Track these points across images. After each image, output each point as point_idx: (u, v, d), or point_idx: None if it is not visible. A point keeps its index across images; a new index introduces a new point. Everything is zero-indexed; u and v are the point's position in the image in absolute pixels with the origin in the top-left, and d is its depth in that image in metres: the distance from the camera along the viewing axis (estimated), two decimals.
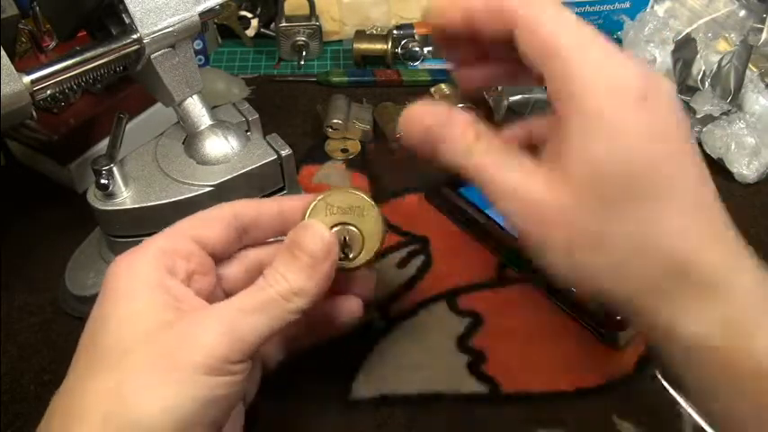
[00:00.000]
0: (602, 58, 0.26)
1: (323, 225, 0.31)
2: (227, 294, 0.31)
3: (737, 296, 0.26)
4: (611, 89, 0.25)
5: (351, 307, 0.35)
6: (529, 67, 0.27)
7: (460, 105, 0.54)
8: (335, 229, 0.32)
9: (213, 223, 0.32)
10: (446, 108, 0.30)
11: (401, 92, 0.61)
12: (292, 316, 0.29)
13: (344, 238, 0.32)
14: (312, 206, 0.32)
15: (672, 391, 0.38)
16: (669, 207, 0.26)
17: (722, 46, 0.58)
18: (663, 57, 0.58)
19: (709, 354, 0.26)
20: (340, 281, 0.33)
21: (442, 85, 0.57)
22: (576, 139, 0.26)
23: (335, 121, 0.53)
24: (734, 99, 0.53)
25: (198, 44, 0.60)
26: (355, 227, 0.33)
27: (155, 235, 0.30)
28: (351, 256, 0.32)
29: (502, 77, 0.32)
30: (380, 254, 0.34)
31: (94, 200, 0.39)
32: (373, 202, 0.33)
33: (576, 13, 0.69)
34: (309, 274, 0.29)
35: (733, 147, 0.52)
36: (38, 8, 0.49)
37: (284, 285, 0.29)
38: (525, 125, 0.32)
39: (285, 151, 0.42)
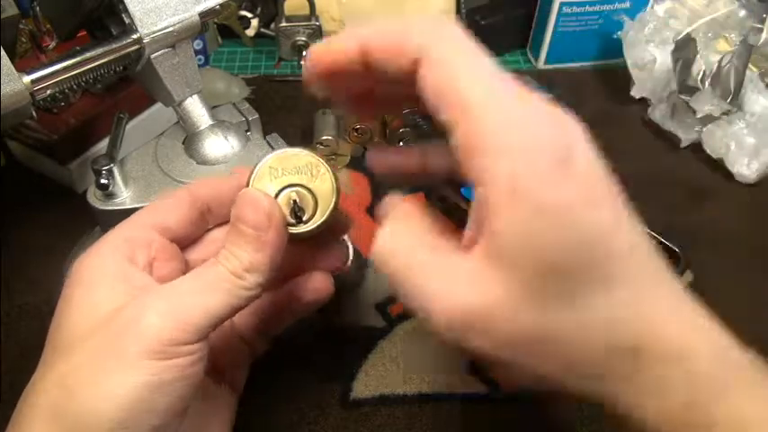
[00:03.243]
0: (520, 120, 0.22)
1: (260, 192, 0.29)
2: None
3: (697, 375, 0.23)
4: (532, 160, 0.22)
5: (315, 283, 0.33)
6: (430, 109, 0.24)
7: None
8: (283, 193, 0.30)
9: (172, 208, 0.31)
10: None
11: None
12: (249, 292, 0.27)
13: (294, 202, 0.29)
14: (255, 172, 0.29)
15: None
16: (616, 286, 0.23)
17: (722, 46, 0.58)
18: (663, 57, 0.58)
19: None
20: (303, 253, 0.32)
21: None
22: (500, 220, 0.22)
23: (325, 137, 0.53)
24: (734, 99, 0.53)
25: (198, 44, 0.60)
26: (306, 188, 0.30)
27: (116, 226, 0.30)
28: (304, 219, 0.30)
29: (397, 107, 0.30)
30: (338, 217, 0.31)
31: (94, 200, 0.39)
32: (322, 161, 0.30)
33: (576, 14, 0.69)
34: (256, 246, 0.27)
35: (733, 147, 0.52)
36: (38, 8, 0.49)
37: (234, 262, 0.27)
38: (421, 152, 0.29)
39: None
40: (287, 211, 0.29)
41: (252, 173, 0.29)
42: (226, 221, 0.32)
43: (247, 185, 0.29)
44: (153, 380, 0.24)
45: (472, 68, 0.23)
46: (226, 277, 0.27)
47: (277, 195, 0.29)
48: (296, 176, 0.30)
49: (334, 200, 0.30)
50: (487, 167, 0.22)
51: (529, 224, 0.22)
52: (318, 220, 0.30)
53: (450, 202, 0.28)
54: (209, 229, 0.33)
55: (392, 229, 0.26)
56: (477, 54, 0.24)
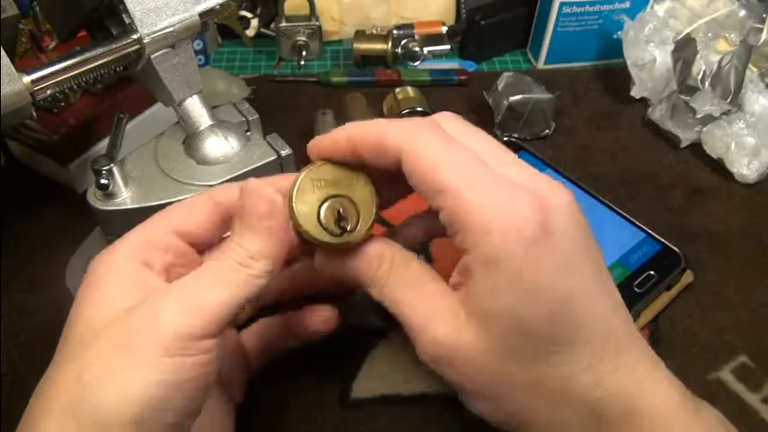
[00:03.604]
0: (494, 198, 0.25)
1: (263, 183, 0.29)
2: None
3: (655, 423, 0.25)
4: (506, 231, 0.25)
5: (323, 313, 0.35)
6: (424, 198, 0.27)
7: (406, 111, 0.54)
8: (326, 204, 0.30)
9: (194, 213, 0.31)
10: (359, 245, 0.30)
11: None
12: (258, 281, 0.27)
13: (338, 212, 0.30)
14: (298, 184, 0.30)
15: None
16: (576, 351, 0.25)
17: (722, 46, 0.58)
18: (663, 57, 0.58)
19: None
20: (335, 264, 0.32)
21: (408, 88, 0.57)
22: (479, 285, 0.26)
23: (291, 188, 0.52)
24: (734, 99, 0.53)
25: (198, 44, 0.60)
26: (347, 198, 0.30)
27: (135, 227, 0.30)
28: (349, 228, 0.30)
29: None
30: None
31: (94, 200, 0.39)
32: (360, 171, 0.31)
33: (576, 14, 0.69)
34: (261, 235, 0.28)
35: (733, 147, 0.52)
36: (38, 8, 0.49)
37: (240, 252, 0.27)
38: (423, 222, 0.33)
39: (285, 151, 0.42)
40: (332, 222, 0.29)
41: (294, 185, 0.30)
42: None
43: (290, 198, 0.29)
44: (169, 378, 0.24)
45: (446, 159, 0.26)
46: (234, 268, 0.27)
47: (321, 206, 0.30)
48: (336, 187, 0.30)
49: (375, 209, 0.30)
50: (469, 243, 0.26)
51: (499, 291, 0.25)
52: (364, 228, 0.30)
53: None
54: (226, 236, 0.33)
55: (391, 257, 0.30)
56: (450, 144, 0.27)
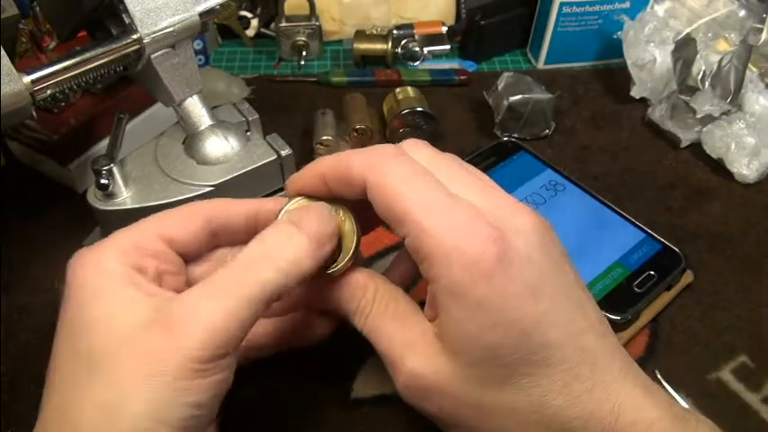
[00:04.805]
0: (453, 230, 0.25)
1: (328, 206, 0.30)
2: None
3: None
4: (465, 262, 0.25)
5: (325, 322, 0.34)
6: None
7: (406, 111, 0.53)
8: None
9: (185, 223, 0.30)
10: (344, 273, 0.30)
11: None
12: (273, 295, 0.27)
13: None
14: (282, 215, 0.31)
15: (670, 389, 0.38)
16: (548, 373, 0.25)
17: (722, 46, 0.58)
18: (663, 57, 0.58)
19: None
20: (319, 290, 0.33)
21: (408, 88, 0.57)
22: (445, 315, 0.26)
23: (325, 137, 0.53)
24: (734, 99, 0.53)
25: (198, 44, 0.60)
26: None
27: (120, 230, 0.28)
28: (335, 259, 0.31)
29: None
30: (359, 254, 0.32)
31: (94, 200, 0.39)
32: (340, 205, 0.31)
33: (576, 14, 0.69)
34: (309, 253, 0.28)
35: (733, 147, 0.52)
36: (38, 8, 0.49)
37: (280, 261, 0.27)
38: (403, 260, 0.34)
39: (285, 151, 0.42)
40: None
41: (280, 212, 0.31)
42: (231, 243, 0.32)
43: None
44: (196, 398, 0.24)
45: (406, 188, 0.27)
46: (266, 286, 0.26)
47: None
48: None
49: (355, 240, 0.31)
50: (432, 271, 0.26)
51: (467, 318, 0.25)
52: (343, 259, 0.31)
53: None
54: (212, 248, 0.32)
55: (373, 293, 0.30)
56: (411, 172, 0.27)
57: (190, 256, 0.31)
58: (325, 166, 0.30)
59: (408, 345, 0.28)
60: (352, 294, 0.30)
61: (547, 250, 0.27)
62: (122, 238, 0.28)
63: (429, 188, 0.27)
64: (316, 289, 0.32)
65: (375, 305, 0.30)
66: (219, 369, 0.25)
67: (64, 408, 0.24)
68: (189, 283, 0.30)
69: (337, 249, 0.30)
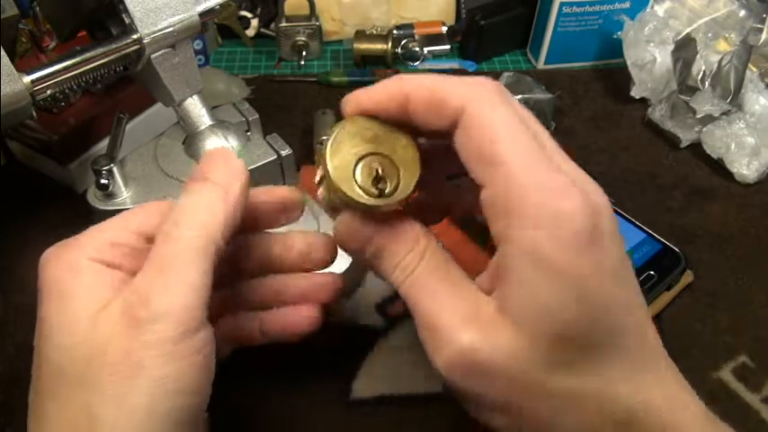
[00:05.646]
0: (550, 189, 0.23)
1: (225, 149, 0.28)
2: None
3: None
4: (558, 229, 0.22)
5: (309, 313, 0.32)
6: (466, 168, 0.25)
7: None
8: (364, 161, 0.26)
9: (153, 216, 0.28)
10: (392, 220, 0.27)
11: None
12: (215, 244, 0.26)
13: (377, 171, 0.26)
14: (334, 136, 0.27)
15: None
16: (617, 359, 0.24)
17: (722, 46, 0.58)
18: (663, 57, 0.58)
19: None
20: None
21: None
22: (520, 283, 0.23)
23: (326, 137, 0.52)
24: (734, 99, 0.53)
25: (198, 44, 0.60)
26: (388, 158, 0.27)
27: (96, 226, 0.28)
28: (387, 191, 0.26)
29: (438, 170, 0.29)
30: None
31: (94, 200, 0.39)
32: (403, 131, 0.27)
33: (576, 14, 0.69)
34: (222, 197, 0.27)
35: (733, 147, 0.52)
36: (38, 8, 0.49)
37: (192, 219, 0.26)
38: (456, 193, 0.30)
39: (285, 151, 0.42)
40: (369, 182, 0.26)
41: (330, 137, 0.27)
42: None
43: (324, 150, 0.26)
44: (176, 386, 0.24)
45: (509, 133, 0.24)
46: (195, 244, 0.25)
47: (358, 163, 0.26)
48: (375, 145, 0.27)
49: (418, 174, 0.27)
50: (513, 230, 0.23)
51: (544, 289, 0.23)
52: (404, 192, 0.26)
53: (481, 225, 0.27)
54: None
55: (413, 251, 0.27)
56: (516, 119, 0.24)
57: None
58: (412, 86, 0.25)
59: (463, 314, 0.24)
60: (400, 243, 0.26)
61: (620, 237, 0.25)
62: (97, 235, 0.27)
63: (532, 143, 0.24)
64: (359, 226, 0.27)
65: (424, 262, 0.26)
66: (195, 349, 0.24)
67: (41, 420, 0.24)
68: None
69: (396, 181, 0.26)
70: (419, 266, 0.26)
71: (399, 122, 0.27)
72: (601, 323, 0.23)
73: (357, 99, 0.27)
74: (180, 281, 0.25)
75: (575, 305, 0.23)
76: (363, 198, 0.26)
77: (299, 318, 0.32)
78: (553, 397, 0.24)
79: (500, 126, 0.24)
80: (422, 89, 0.25)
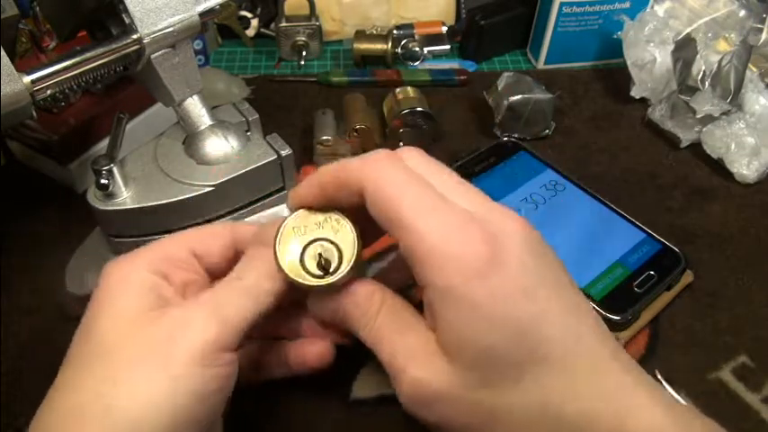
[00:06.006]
0: (445, 232, 0.26)
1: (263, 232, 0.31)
2: None
3: None
4: (458, 266, 0.25)
5: (320, 350, 0.34)
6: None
7: (406, 111, 0.53)
8: (309, 248, 0.31)
9: (213, 238, 0.32)
10: (350, 286, 0.31)
11: None
12: (270, 298, 0.29)
13: (320, 254, 0.31)
14: (279, 234, 0.31)
15: (671, 391, 0.38)
16: (550, 372, 0.25)
17: (722, 46, 0.58)
18: (663, 57, 0.58)
19: None
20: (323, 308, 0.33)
21: (408, 88, 0.57)
22: (442, 319, 0.26)
23: (325, 138, 0.53)
24: (734, 99, 0.53)
25: (198, 44, 0.60)
26: (329, 241, 0.31)
27: (156, 241, 0.31)
28: (331, 270, 0.30)
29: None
30: (360, 265, 0.32)
31: (94, 200, 0.39)
32: (340, 213, 0.31)
33: (576, 14, 0.69)
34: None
35: (733, 147, 0.52)
36: (38, 8, 0.49)
37: (259, 271, 0.30)
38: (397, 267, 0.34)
39: (285, 151, 0.42)
40: (314, 265, 0.30)
41: (277, 234, 0.31)
42: None
43: (274, 247, 0.30)
44: (201, 389, 0.25)
45: (400, 195, 0.27)
46: (252, 283, 0.29)
47: (303, 252, 0.31)
48: (318, 231, 0.31)
49: (357, 249, 0.31)
50: (426, 278, 0.26)
51: (463, 320, 0.25)
52: (345, 268, 0.30)
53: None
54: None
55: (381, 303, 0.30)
56: (403, 180, 0.28)
57: (215, 273, 0.32)
58: (324, 176, 0.30)
59: (411, 354, 0.28)
60: (357, 305, 0.30)
61: (538, 254, 0.27)
62: (155, 248, 0.30)
63: (422, 192, 0.27)
64: (322, 302, 0.32)
65: (380, 317, 0.30)
66: (222, 363, 0.27)
67: (67, 390, 0.26)
68: None
69: (339, 259, 0.31)
70: (377, 321, 0.30)
71: (334, 207, 0.31)
72: (521, 340, 0.25)
73: (294, 195, 0.32)
74: (238, 311, 0.28)
75: (490, 329, 0.25)
76: (310, 281, 0.30)
77: (314, 353, 0.35)
78: (499, 418, 0.26)
79: (391, 189, 0.27)
80: (328, 176, 0.30)
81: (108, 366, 0.25)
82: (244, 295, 0.29)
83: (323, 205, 0.31)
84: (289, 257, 0.30)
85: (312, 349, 0.34)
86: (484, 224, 0.26)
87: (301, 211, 0.32)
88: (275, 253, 0.30)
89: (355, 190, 0.28)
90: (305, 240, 0.31)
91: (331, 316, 0.32)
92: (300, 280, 0.30)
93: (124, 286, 0.28)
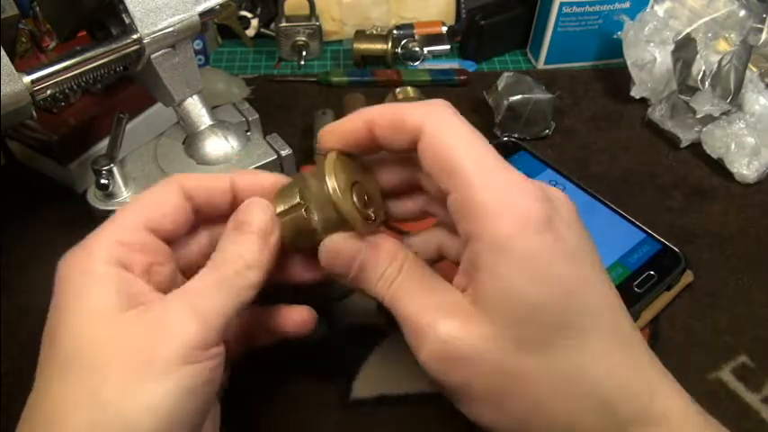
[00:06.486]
0: (505, 186, 0.26)
1: (265, 201, 0.30)
2: (186, 277, 0.30)
3: (671, 426, 0.25)
4: (515, 218, 0.25)
5: (301, 317, 0.34)
6: (434, 180, 0.27)
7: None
8: (354, 187, 0.29)
9: (163, 206, 0.30)
10: (370, 238, 0.29)
11: None
12: (252, 291, 0.28)
13: (365, 197, 0.29)
14: (333, 165, 0.29)
15: None
16: (589, 339, 0.25)
17: (722, 46, 0.58)
18: (663, 57, 0.58)
19: None
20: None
21: (408, 88, 0.57)
22: (488, 273, 0.25)
23: (317, 167, 0.52)
24: (734, 99, 0.53)
25: (198, 44, 0.60)
26: (366, 187, 0.30)
27: (105, 225, 0.29)
28: (372, 213, 0.29)
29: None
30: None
31: (94, 200, 0.39)
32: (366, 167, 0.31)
33: (576, 14, 0.69)
34: (259, 247, 0.29)
35: (733, 147, 0.52)
36: (38, 8, 0.49)
37: (239, 262, 0.28)
38: (433, 237, 0.32)
39: (285, 151, 0.42)
40: (361, 205, 0.29)
41: (330, 165, 0.29)
42: (212, 220, 0.32)
43: (329, 176, 0.28)
44: (187, 385, 0.25)
45: (463, 144, 0.27)
46: (231, 276, 0.28)
47: (351, 189, 0.29)
48: (355, 175, 0.30)
49: (383, 202, 0.30)
50: (477, 228, 0.26)
51: (507, 275, 0.25)
52: (381, 218, 0.30)
53: None
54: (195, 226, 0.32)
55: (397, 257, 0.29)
56: (467, 130, 0.27)
57: (174, 238, 0.31)
58: (373, 114, 0.29)
59: (441, 309, 0.27)
60: (380, 259, 0.29)
61: (581, 225, 0.27)
62: (107, 235, 0.28)
63: (484, 148, 0.27)
64: (337, 248, 0.30)
65: (403, 273, 0.29)
66: (208, 357, 0.26)
67: (46, 402, 0.25)
68: (178, 271, 0.31)
69: (370, 205, 0.29)
70: (399, 277, 0.29)
71: (365, 161, 0.30)
72: (568, 301, 0.25)
73: (333, 129, 0.30)
74: (218, 307, 0.27)
75: (540, 285, 0.25)
76: (359, 220, 0.28)
77: (294, 319, 0.34)
78: (530, 382, 0.25)
79: (455, 137, 0.27)
80: (384, 113, 0.28)
81: (89, 375, 0.24)
82: (224, 291, 0.27)
83: (354, 148, 0.30)
84: (342, 188, 0.28)
85: (294, 316, 0.33)
86: (539, 187, 0.26)
87: (339, 153, 0.30)
88: (331, 181, 0.28)
89: (410, 133, 0.27)
90: (351, 179, 0.29)
91: (344, 265, 0.30)
92: (352, 215, 0.28)
93: (87, 285, 0.26)
